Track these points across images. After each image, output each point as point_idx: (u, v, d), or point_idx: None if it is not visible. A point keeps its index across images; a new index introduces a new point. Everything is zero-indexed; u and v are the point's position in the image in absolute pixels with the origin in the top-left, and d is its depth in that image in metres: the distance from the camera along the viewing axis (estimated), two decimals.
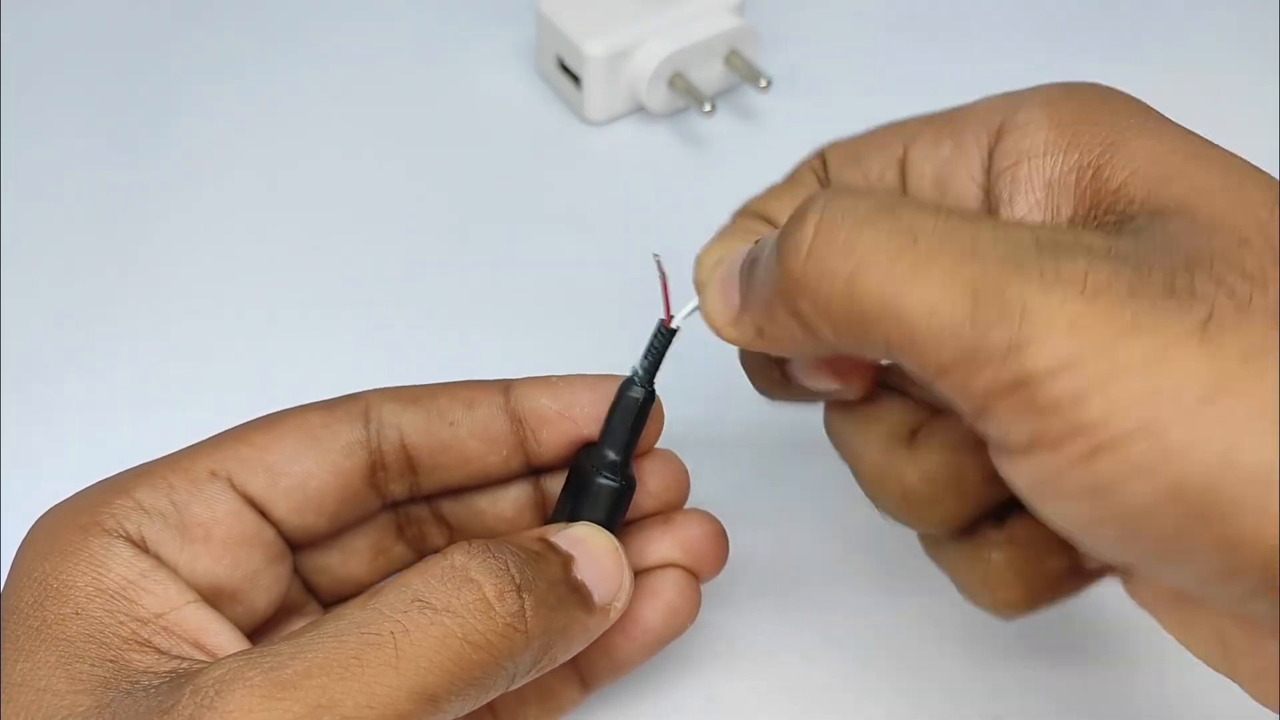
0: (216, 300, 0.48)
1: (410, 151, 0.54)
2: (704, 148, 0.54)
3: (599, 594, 0.32)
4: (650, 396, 0.34)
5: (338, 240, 0.50)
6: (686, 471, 0.36)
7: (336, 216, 0.51)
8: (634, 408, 0.34)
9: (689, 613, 0.36)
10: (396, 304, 0.48)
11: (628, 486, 0.34)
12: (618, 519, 0.34)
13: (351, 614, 0.28)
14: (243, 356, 0.47)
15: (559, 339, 0.47)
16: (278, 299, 0.49)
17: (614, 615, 0.32)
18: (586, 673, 0.36)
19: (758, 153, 0.53)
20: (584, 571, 0.31)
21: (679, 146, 0.54)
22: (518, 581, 0.29)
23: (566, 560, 0.31)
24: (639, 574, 0.35)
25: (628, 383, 0.34)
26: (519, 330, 0.48)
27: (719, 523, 0.36)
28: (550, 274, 0.49)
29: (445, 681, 0.27)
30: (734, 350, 0.45)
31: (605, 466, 0.34)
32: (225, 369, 0.46)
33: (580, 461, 0.34)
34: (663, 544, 0.36)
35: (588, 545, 0.32)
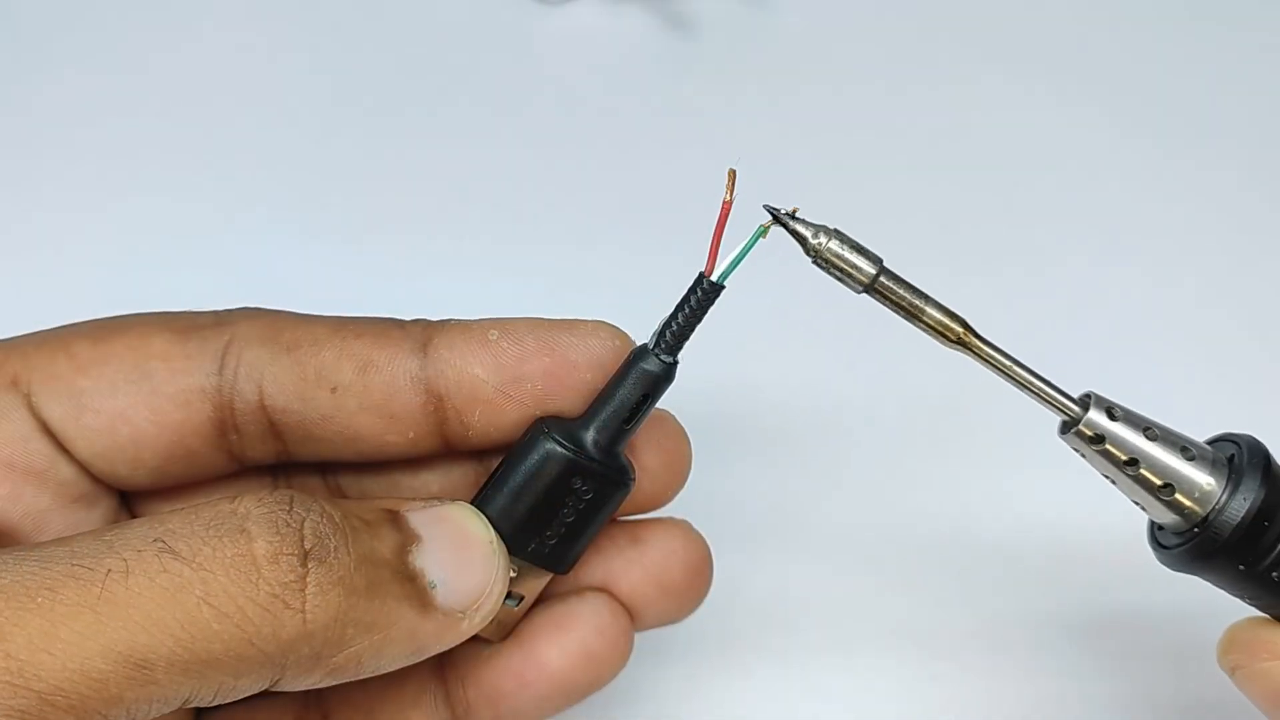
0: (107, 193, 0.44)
1: (324, 37, 0.49)
2: (691, 32, 0.48)
3: (446, 593, 0.25)
4: (670, 369, 0.27)
5: (251, 135, 0.47)
6: (688, 443, 0.30)
7: (254, 106, 0.47)
8: (647, 383, 0.27)
9: (610, 659, 0.29)
10: (308, 210, 0.44)
11: (621, 483, 0.27)
12: (593, 526, 0.27)
13: (79, 540, 0.23)
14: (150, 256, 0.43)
15: (503, 261, 0.42)
16: (189, 197, 0.45)
17: (467, 628, 0.26)
18: None
19: (762, 40, 0.46)
20: (430, 559, 0.25)
21: (658, 31, 0.48)
22: (308, 546, 0.24)
23: (406, 540, 0.25)
24: (555, 598, 0.29)
25: (641, 350, 0.27)
26: (455, 249, 0.43)
27: (703, 543, 0.30)
28: (498, 184, 0.45)
29: (163, 646, 0.22)
30: (736, 349, 0.41)
31: (587, 454, 0.27)
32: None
33: (541, 444, 0.27)
34: (614, 562, 0.30)
35: (450, 529, 0.26)
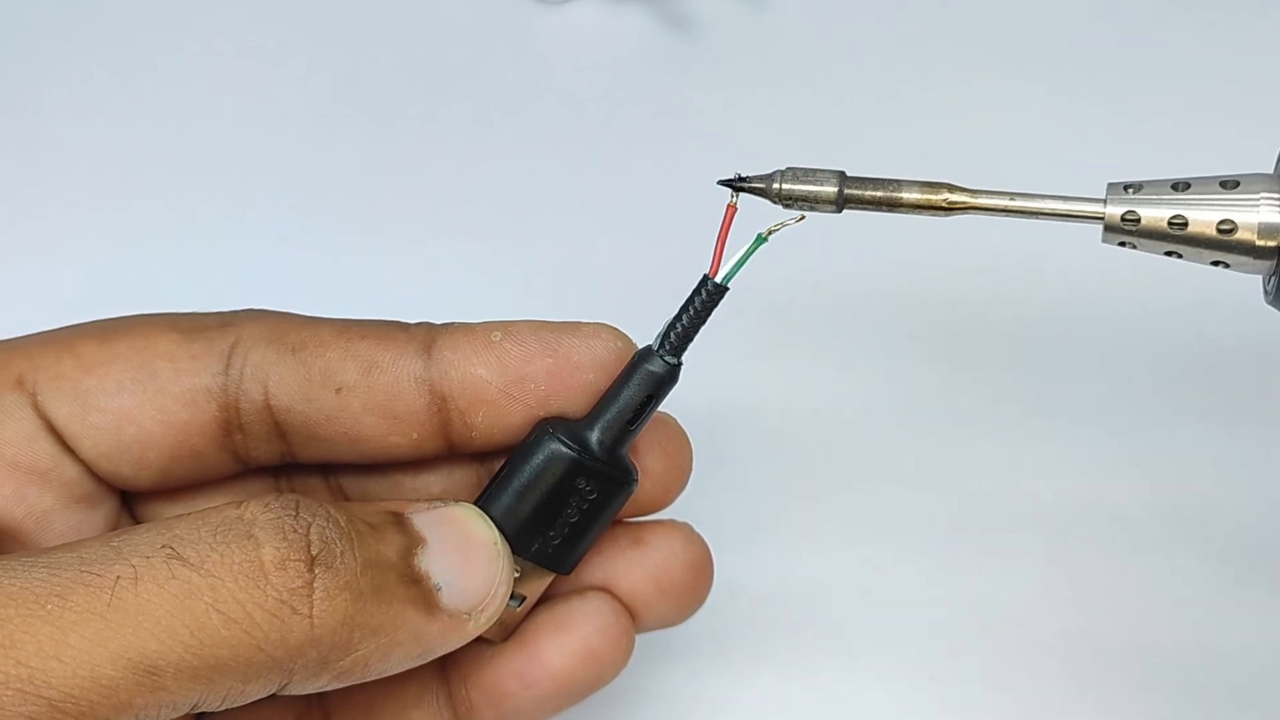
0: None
1: (324, 37, 0.48)
2: (691, 32, 0.47)
3: (451, 595, 0.25)
4: (675, 371, 0.27)
5: (251, 135, 0.46)
6: (689, 445, 0.30)
7: (254, 106, 0.47)
8: (651, 384, 0.27)
9: (612, 658, 0.29)
10: (308, 210, 0.44)
11: (625, 483, 0.27)
12: (596, 527, 0.27)
13: (87, 545, 0.24)
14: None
15: (503, 261, 0.42)
16: (191, 198, 0.45)
17: (472, 629, 0.26)
18: None
19: (762, 40, 0.46)
20: (435, 561, 0.25)
21: (658, 31, 0.48)
22: (314, 552, 0.24)
23: (411, 543, 0.25)
24: (557, 598, 0.29)
25: (646, 352, 0.27)
26: (455, 249, 0.43)
27: (704, 545, 0.30)
28: (498, 185, 0.44)
29: (173, 652, 0.22)
30: (737, 351, 0.41)
31: (591, 455, 0.27)
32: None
33: (546, 444, 0.27)
34: (615, 563, 0.29)
35: (455, 531, 0.26)
